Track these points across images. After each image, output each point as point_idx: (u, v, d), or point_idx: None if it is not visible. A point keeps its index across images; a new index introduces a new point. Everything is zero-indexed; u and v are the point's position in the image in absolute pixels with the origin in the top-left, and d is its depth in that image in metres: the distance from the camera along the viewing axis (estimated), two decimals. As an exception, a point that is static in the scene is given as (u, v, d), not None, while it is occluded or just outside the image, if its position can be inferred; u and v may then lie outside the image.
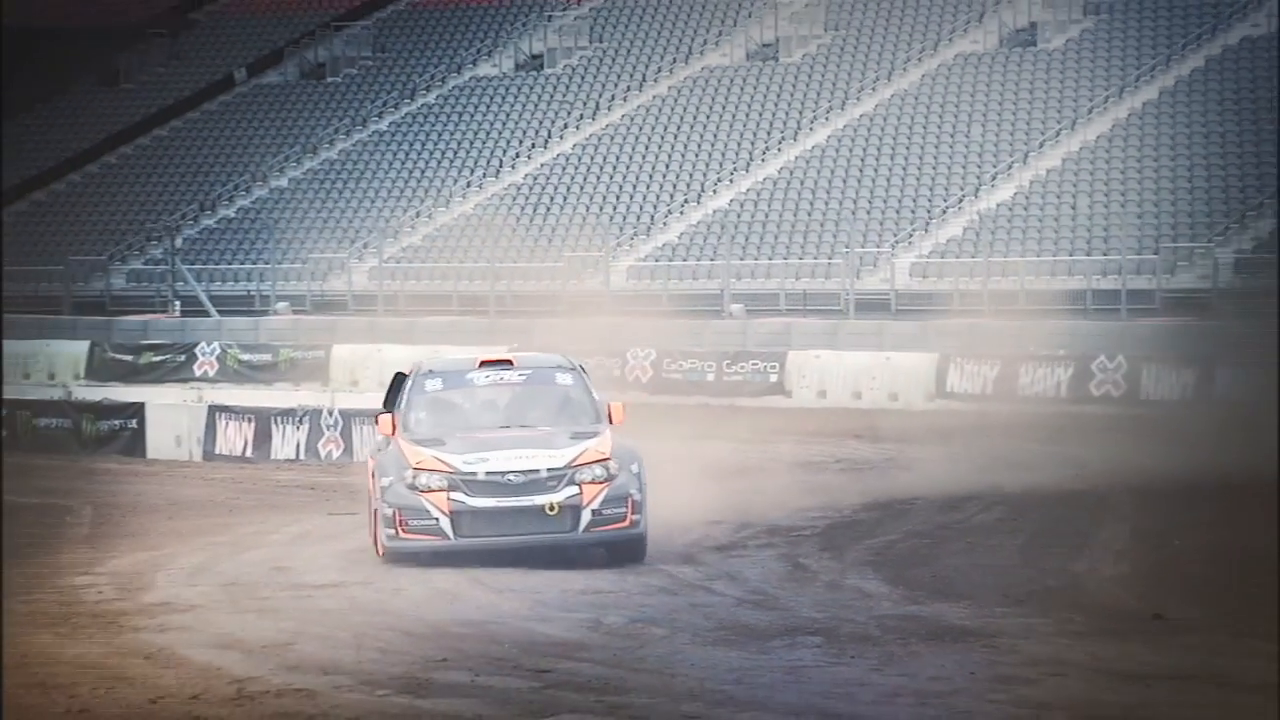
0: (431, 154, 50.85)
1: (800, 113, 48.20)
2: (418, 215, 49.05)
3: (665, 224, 46.26)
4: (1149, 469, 24.53)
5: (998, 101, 46.32)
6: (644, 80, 51.37)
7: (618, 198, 47.04)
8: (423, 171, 50.18)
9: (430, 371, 19.00)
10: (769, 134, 47.85)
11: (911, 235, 43.32)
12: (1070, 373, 35.29)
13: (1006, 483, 22.88)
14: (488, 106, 52.40)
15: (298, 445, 28.60)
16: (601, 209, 46.72)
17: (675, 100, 50.39)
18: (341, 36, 56.49)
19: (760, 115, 48.59)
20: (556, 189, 48.33)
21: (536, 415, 18.70)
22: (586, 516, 17.69)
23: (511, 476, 17.70)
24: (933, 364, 36.19)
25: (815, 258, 43.37)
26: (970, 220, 43.18)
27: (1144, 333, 36.82)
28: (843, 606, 14.38)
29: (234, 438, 29.17)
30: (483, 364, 18.93)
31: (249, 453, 28.81)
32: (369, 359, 40.88)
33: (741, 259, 43.82)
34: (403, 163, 50.75)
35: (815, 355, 37.19)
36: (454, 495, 17.65)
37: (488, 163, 50.05)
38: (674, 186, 46.96)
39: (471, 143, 50.95)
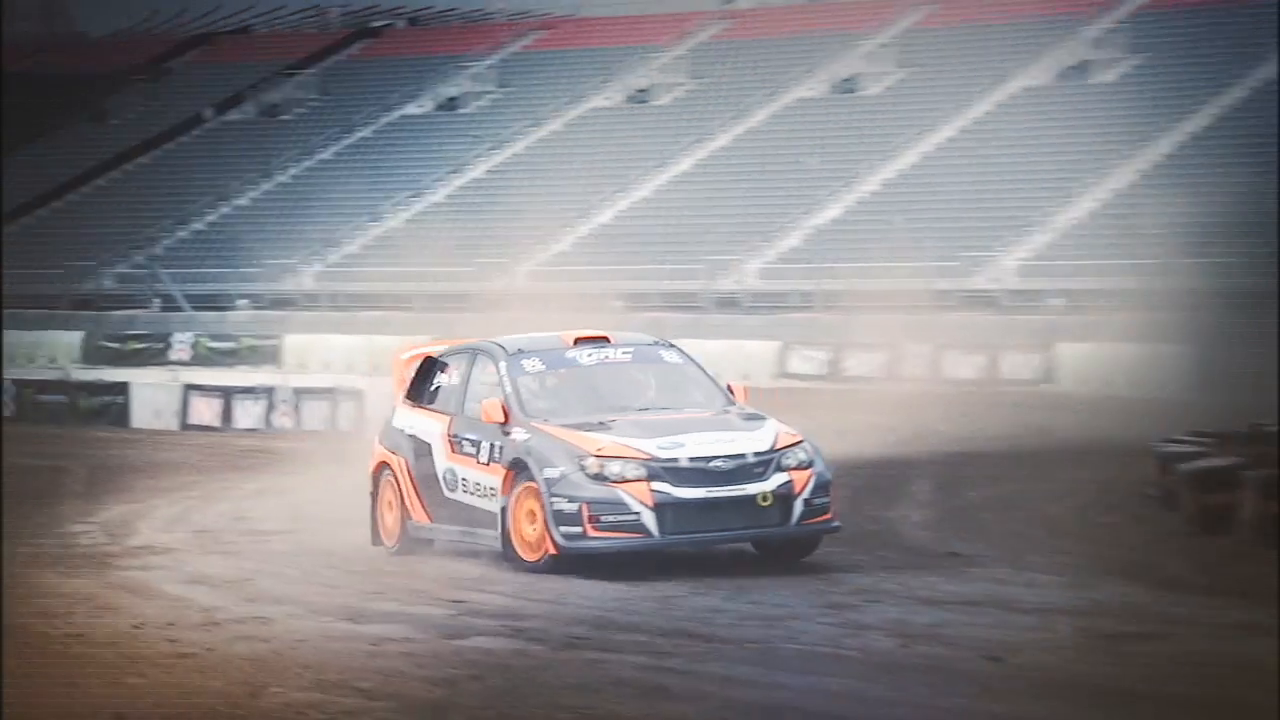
0: (367, 179, 50.65)
1: (669, 146, 48.35)
2: (357, 228, 48.85)
3: (560, 236, 46.24)
4: (947, 435, 24.73)
5: (829, 137, 46.57)
6: (541, 119, 51.38)
7: (521, 214, 46.97)
8: (360, 193, 49.99)
9: (520, 351, 13.99)
10: (644, 162, 47.91)
11: (759, 245, 43.49)
12: (885, 357, 35.55)
13: (834, 446, 23.01)
14: (413, 140, 52.28)
15: (256, 418, 28.38)
16: (507, 223, 46.64)
17: (567, 135, 50.43)
18: (293, 82, 56.27)
19: (636, 148, 48.70)
20: (470, 206, 48.28)
21: (670, 396, 13.93)
22: (799, 508, 13.15)
23: (718, 462, 13.01)
24: (776, 350, 36.37)
25: (680, 263, 43.49)
26: (807, 233, 43.41)
27: (945, 324, 37.12)
28: (704, 549, 14.41)
29: (204, 411, 28.95)
30: (578, 341, 14.19)
31: (216, 423, 28.57)
32: (315, 346, 40.86)
33: (624, 264, 43.84)
34: (343, 185, 50.52)
35: (682, 343, 37.21)
36: (656, 485, 12.88)
37: (414, 185, 49.93)
38: (567, 205, 46.95)
39: (399, 169, 50.82)
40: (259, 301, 46.72)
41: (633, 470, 12.91)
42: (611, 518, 12.86)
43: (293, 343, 41.38)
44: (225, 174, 52.37)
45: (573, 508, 12.91)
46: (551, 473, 13.02)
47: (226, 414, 28.60)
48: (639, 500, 12.85)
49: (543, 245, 45.75)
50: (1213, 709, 8.32)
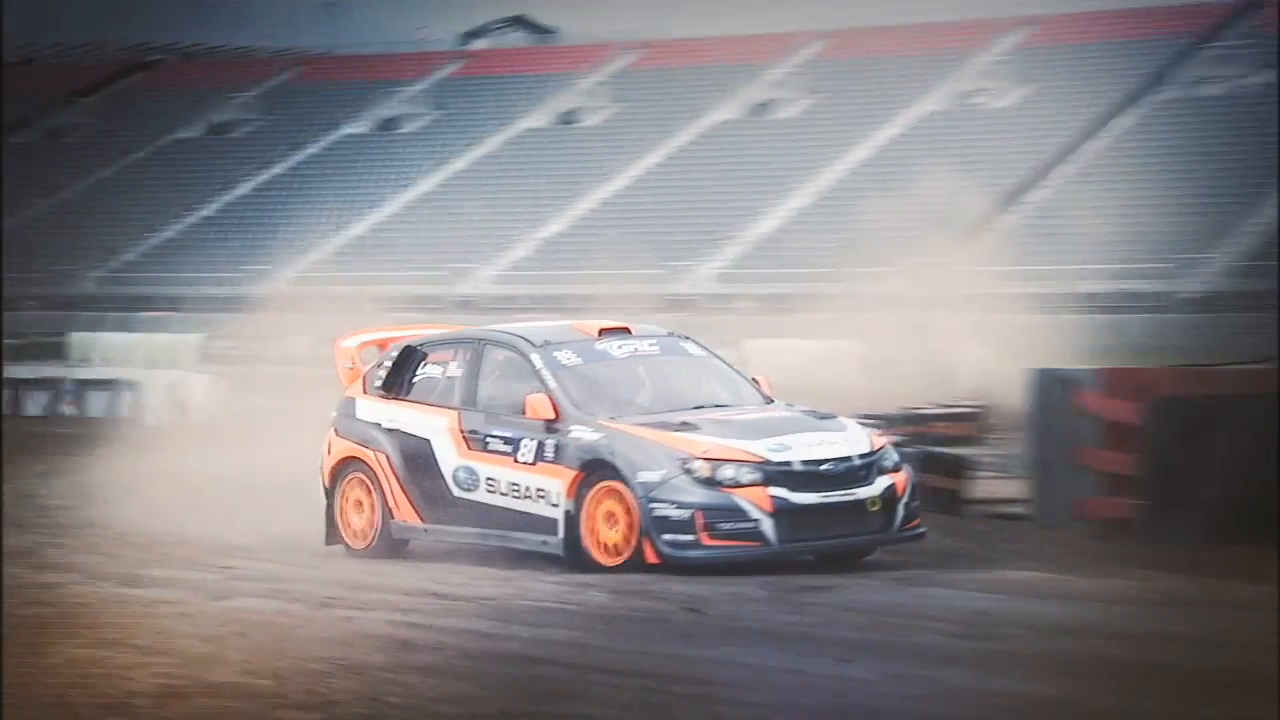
0: (144, 195, 49.62)
1: (413, 168, 48.33)
2: (135, 238, 47.84)
3: (319, 245, 45.79)
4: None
5: (554, 162, 46.90)
6: (302, 144, 50.88)
7: (283, 226, 46.35)
8: (138, 207, 48.91)
9: (548, 342, 11.65)
10: (393, 181, 47.74)
11: (493, 255, 43.53)
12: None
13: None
14: (186, 161, 51.39)
15: (43, 406, 27.58)
16: (271, 234, 45.99)
17: (324, 158, 50.07)
18: (76, 108, 55.01)
19: (385, 169, 48.53)
20: (238, 220, 47.59)
21: (717, 391, 11.69)
22: (901, 512, 11.10)
23: (828, 466, 10.88)
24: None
25: (424, 270, 43.39)
26: (536, 245, 43.62)
27: (685, 322, 37.58)
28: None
29: (-7, 401, 28.01)
30: (603, 332, 11.83)
31: (6, 412, 27.65)
32: (96, 342, 40.17)
33: (375, 271, 43.59)
34: (123, 201, 49.42)
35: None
36: (774, 491, 10.71)
37: (186, 201, 49.02)
38: (324, 219, 46.52)
39: (174, 187, 49.91)
40: (46, 302, 45.42)
41: (748, 474, 10.68)
42: (728, 525, 10.62)
43: (77, 339, 40.42)
44: (14, 190, 50.75)
45: (683, 515, 10.63)
46: (649, 476, 10.72)
47: (15, 403, 27.66)
48: (758, 506, 10.66)
49: (303, 254, 45.13)
50: (877, 648, 8.58)
